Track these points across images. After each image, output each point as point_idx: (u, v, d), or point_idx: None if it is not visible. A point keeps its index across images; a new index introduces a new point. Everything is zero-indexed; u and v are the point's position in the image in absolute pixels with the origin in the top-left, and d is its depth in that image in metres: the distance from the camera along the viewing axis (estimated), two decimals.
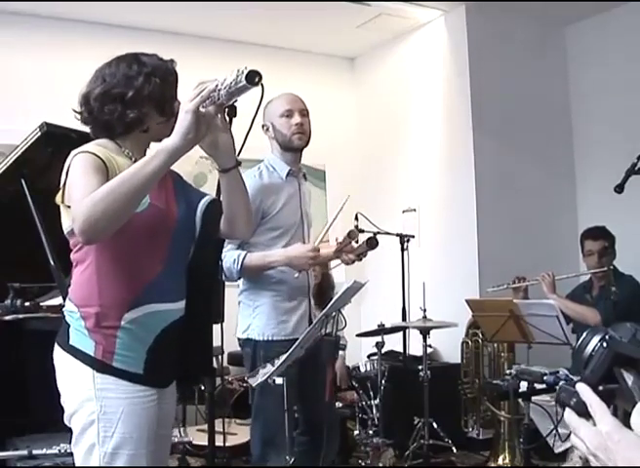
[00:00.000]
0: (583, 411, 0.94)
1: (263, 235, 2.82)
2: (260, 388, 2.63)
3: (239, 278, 2.82)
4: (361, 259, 3.00)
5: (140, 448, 1.77)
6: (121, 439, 1.74)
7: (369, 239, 2.95)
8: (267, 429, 2.72)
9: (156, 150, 1.64)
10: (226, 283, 2.77)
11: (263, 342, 2.79)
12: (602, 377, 0.95)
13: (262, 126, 2.91)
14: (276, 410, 2.57)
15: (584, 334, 0.99)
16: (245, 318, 2.86)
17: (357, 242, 3.02)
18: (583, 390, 0.94)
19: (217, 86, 1.64)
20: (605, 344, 0.96)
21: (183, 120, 1.64)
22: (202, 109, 1.66)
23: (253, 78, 1.58)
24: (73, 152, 1.79)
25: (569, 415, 0.96)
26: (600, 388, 0.95)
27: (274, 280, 2.82)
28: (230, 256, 2.74)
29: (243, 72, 1.59)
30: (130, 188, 1.61)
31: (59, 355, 1.82)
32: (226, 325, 2.44)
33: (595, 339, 0.97)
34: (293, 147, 2.92)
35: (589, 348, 0.97)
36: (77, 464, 1.80)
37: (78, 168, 1.73)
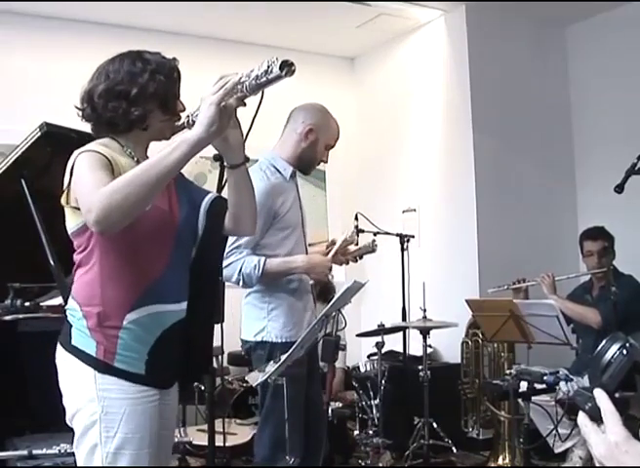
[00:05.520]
0: (597, 417, 0.94)
1: (274, 235, 2.78)
2: (271, 389, 2.61)
3: (257, 284, 2.76)
4: (356, 261, 3.02)
5: (142, 448, 1.76)
6: (123, 439, 1.74)
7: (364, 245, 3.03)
8: (278, 430, 2.63)
9: (178, 141, 1.62)
10: (226, 283, 2.76)
11: (280, 344, 2.71)
12: (620, 384, 0.96)
13: (309, 128, 2.87)
14: (289, 412, 2.53)
15: (604, 342, 0.99)
16: (258, 320, 2.78)
17: (356, 244, 3.06)
18: (600, 396, 0.94)
19: (240, 78, 1.63)
20: (625, 352, 0.96)
21: (207, 112, 1.62)
22: (223, 102, 1.64)
23: (285, 68, 1.57)
24: (76, 151, 1.76)
25: (582, 420, 0.96)
26: (617, 395, 0.95)
27: (288, 281, 2.79)
28: (250, 262, 2.69)
29: (275, 63, 1.57)
30: (150, 178, 1.59)
31: (61, 355, 1.82)
32: (226, 325, 2.44)
33: (615, 347, 0.97)
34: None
35: (608, 355, 0.97)
36: (79, 465, 1.79)
37: (84, 165, 1.71)
